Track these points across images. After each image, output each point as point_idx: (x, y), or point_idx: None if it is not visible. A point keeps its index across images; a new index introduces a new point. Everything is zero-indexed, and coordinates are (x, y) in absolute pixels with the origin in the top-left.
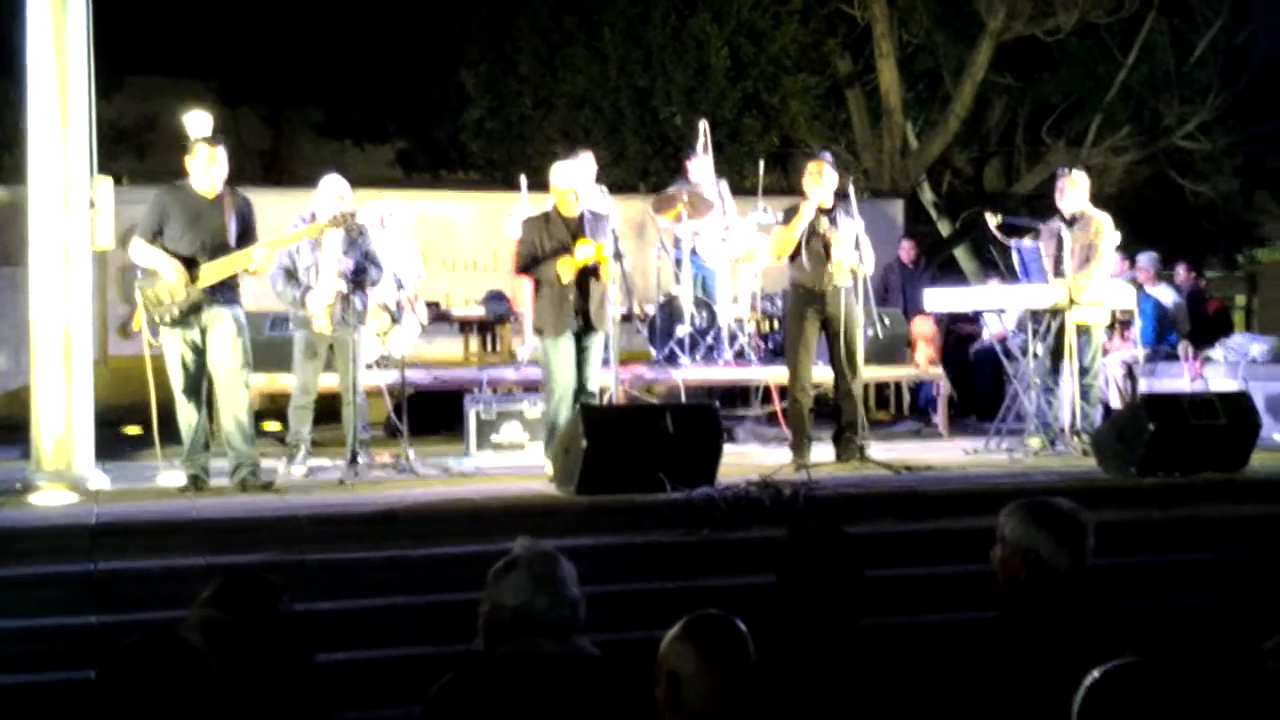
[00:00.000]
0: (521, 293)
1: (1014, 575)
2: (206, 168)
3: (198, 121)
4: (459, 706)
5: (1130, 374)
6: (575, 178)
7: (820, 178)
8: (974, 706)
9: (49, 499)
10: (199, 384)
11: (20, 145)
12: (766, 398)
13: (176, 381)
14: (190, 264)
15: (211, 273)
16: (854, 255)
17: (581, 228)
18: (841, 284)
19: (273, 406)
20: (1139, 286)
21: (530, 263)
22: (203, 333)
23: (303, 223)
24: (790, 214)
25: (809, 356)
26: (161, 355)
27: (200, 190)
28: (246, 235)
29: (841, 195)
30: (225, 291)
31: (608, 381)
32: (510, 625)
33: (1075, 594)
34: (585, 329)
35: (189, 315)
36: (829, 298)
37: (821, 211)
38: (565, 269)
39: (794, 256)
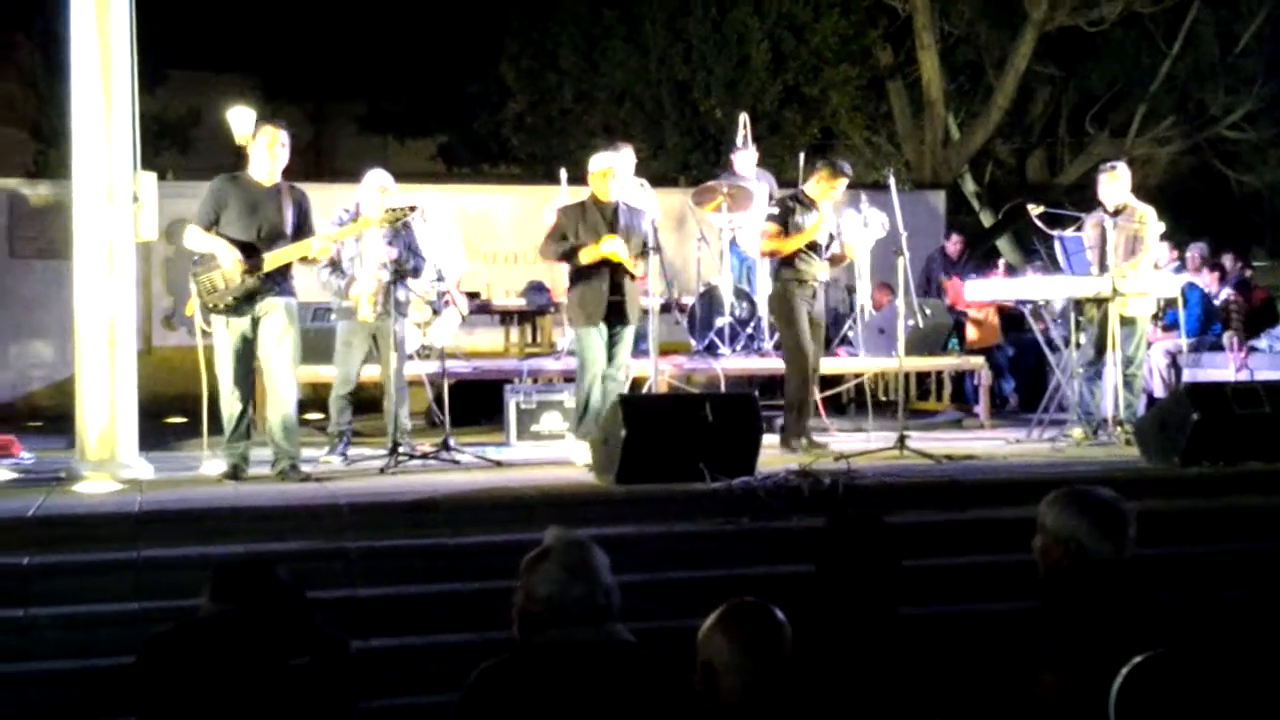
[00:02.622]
0: (561, 283)
1: (1055, 565)
2: (269, 151)
3: (241, 118)
4: (496, 694)
5: (1174, 363)
6: (611, 160)
7: (834, 193)
8: (1014, 696)
9: (93, 488)
10: (247, 373)
11: (65, 141)
12: None
13: (225, 369)
14: (247, 251)
15: (272, 261)
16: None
17: (616, 217)
18: (826, 279)
19: (315, 397)
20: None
21: (558, 248)
22: (255, 322)
23: (346, 214)
24: (782, 207)
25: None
26: (211, 345)
27: (258, 178)
28: (303, 227)
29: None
30: (281, 282)
31: (647, 371)
32: (544, 615)
33: (1117, 584)
34: (619, 320)
35: (243, 303)
36: (817, 293)
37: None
38: (586, 254)
39: (789, 256)
